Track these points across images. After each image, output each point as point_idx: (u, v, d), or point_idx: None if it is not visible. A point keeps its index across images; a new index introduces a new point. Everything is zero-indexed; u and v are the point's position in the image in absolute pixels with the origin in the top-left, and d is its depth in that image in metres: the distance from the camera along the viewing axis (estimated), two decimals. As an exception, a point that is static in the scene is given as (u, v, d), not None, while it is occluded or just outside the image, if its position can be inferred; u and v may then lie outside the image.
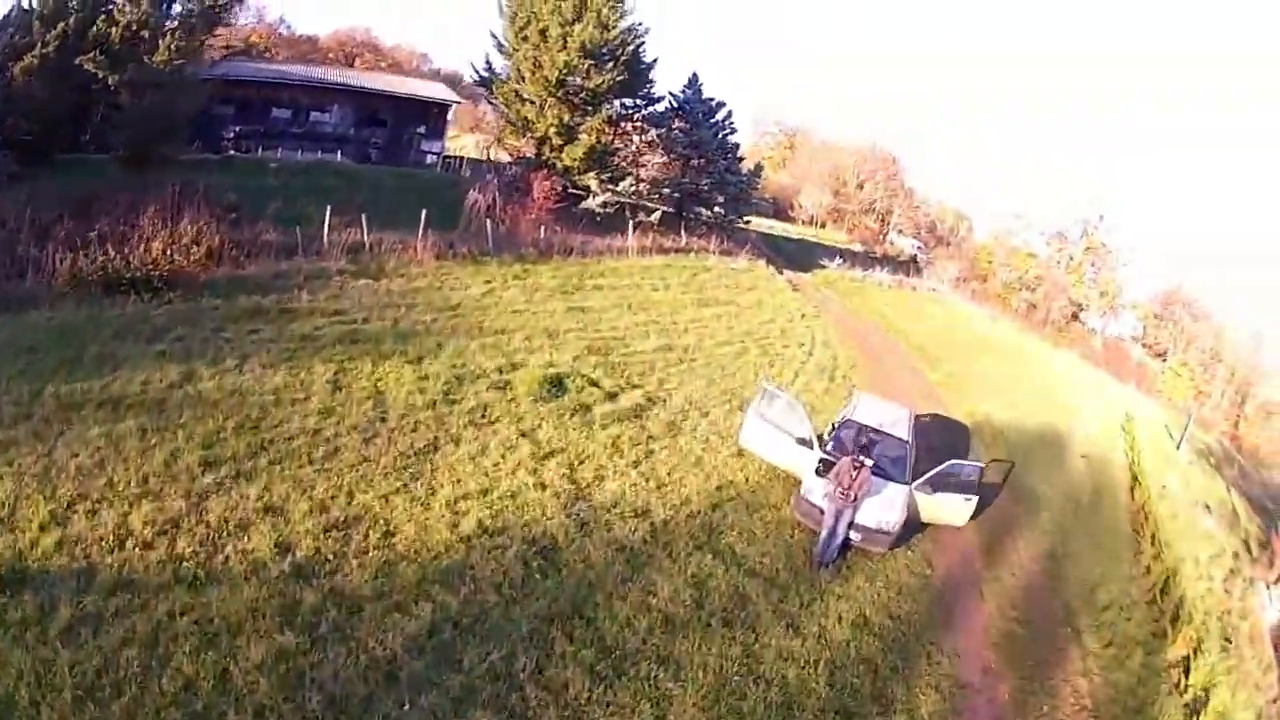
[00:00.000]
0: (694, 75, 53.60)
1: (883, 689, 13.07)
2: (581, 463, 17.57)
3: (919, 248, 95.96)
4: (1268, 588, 24.42)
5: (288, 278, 25.39)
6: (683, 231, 49.86)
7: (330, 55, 79.73)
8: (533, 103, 44.76)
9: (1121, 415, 42.55)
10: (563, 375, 21.50)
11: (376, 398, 18.16)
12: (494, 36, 46.31)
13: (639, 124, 51.44)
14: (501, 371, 21.15)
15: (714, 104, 53.66)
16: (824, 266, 62.31)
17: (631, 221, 45.34)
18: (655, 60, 48.04)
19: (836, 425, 20.26)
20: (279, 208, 30.30)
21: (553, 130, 44.25)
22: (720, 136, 53.76)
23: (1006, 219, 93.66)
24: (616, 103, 47.78)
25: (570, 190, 45.72)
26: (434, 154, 54.45)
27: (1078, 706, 14.69)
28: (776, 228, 79.30)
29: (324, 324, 22.16)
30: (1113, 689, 15.56)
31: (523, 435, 18.09)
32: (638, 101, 49.77)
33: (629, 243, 42.25)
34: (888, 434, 19.56)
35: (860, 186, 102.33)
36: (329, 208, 29.75)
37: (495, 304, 27.63)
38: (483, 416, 18.51)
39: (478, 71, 47.92)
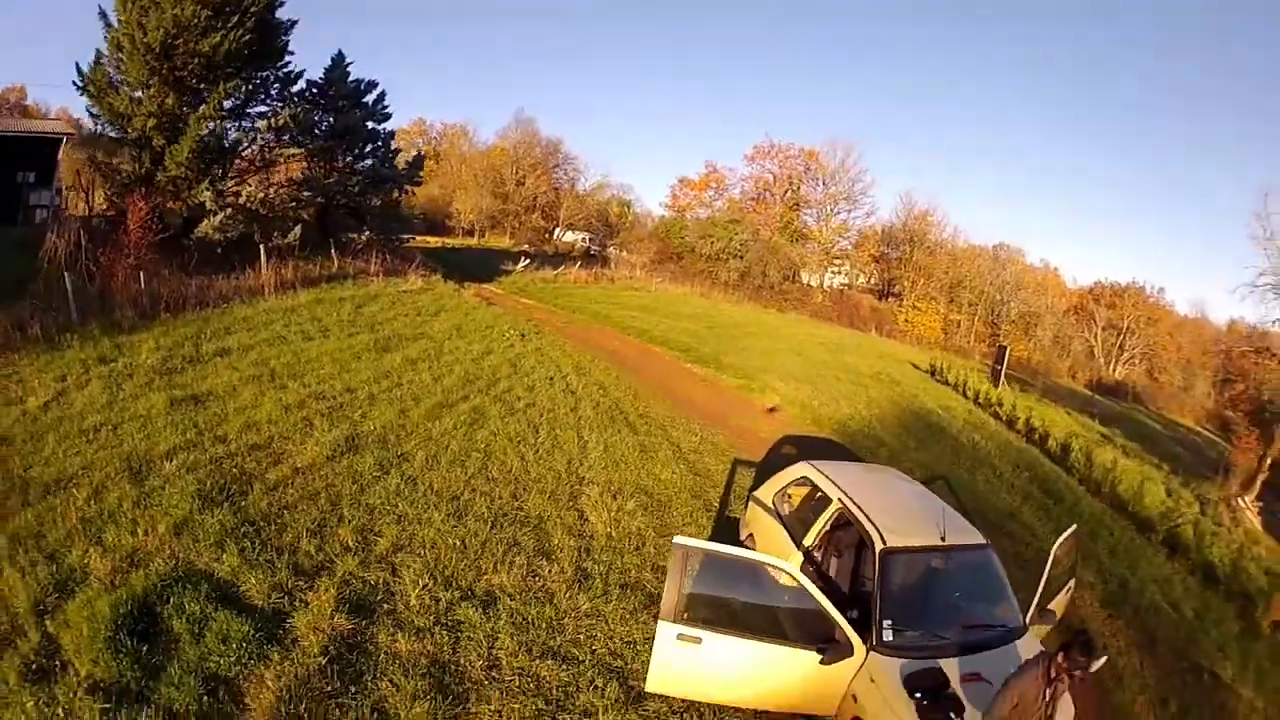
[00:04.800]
0: (339, 54, 43.38)
1: None
2: None
3: (591, 239, 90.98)
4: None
5: None
6: (334, 252, 37.78)
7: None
8: (129, 86, 31.45)
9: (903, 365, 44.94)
10: (156, 594, 9.66)
11: None
12: (102, 16, 31.85)
13: (270, 106, 37.82)
14: (41, 611, 9.21)
15: (363, 84, 43.85)
16: (508, 272, 56.06)
17: (263, 247, 31.33)
18: (294, 22, 35.82)
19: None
20: None
21: (152, 125, 30.72)
22: (369, 125, 44.41)
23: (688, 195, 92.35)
24: (241, 81, 34.50)
25: (186, 215, 32.95)
26: (44, 206, 38.68)
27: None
28: (433, 242, 72.21)
29: None
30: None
31: None
32: (269, 79, 37.15)
33: (263, 278, 29.84)
34: (960, 546, 10.09)
35: (521, 183, 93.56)
36: None
37: (59, 423, 14.79)
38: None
39: (81, 73, 32.36)
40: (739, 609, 9.18)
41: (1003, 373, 45.78)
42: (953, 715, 7.76)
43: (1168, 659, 13.98)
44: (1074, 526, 11.94)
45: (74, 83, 32.09)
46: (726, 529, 14.61)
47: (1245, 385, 50.00)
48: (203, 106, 31.72)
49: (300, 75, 38.31)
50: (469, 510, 13.27)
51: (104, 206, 34.23)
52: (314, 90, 41.18)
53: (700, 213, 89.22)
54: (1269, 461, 40.59)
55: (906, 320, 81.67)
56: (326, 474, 13.90)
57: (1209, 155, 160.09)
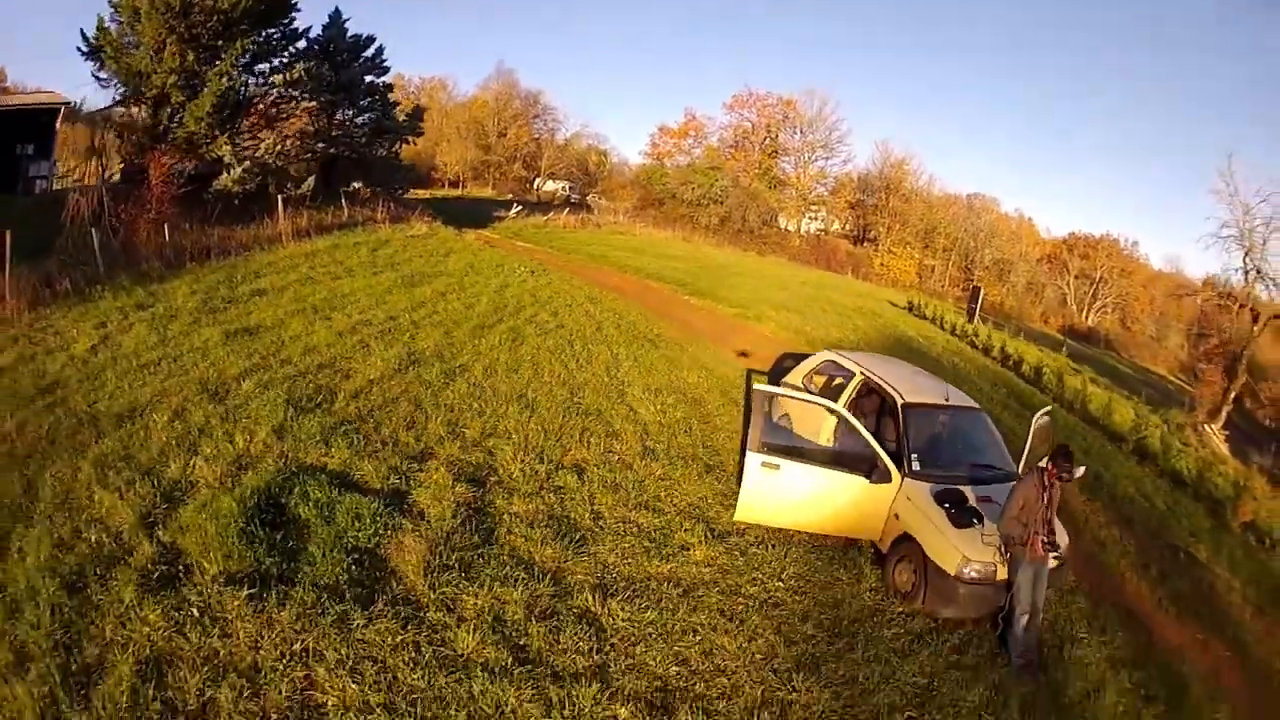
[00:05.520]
0: (336, 10, 43.25)
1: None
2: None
3: (572, 188, 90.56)
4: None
5: None
6: (343, 201, 38.84)
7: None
8: (145, 46, 31.50)
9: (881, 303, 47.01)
10: (277, 487, 10.23)
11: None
12: None
13: (278, 61, 38.41)
14: (150, 523, 9.20)
15: (362, 39, 44.00)
16: (501, 218, 56.70)
17: (280, 197, 32.37)
18: (301, -23, 36.10)
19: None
20: None
21: (172, 81, 31.14)
22: (368, 78, 44.55)
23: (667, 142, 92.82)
24: (255, 36, 35.06)
25: (197, 171, 32.78)
26: (43, 177, 38.81)
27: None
28: (421, 194, 70.90)
29: None
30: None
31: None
32: (275, 35, 37.24)
33: (280, 226, 30.44)
34: (960, 407, 12.76)
35: (503, 134, 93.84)
36: None
37: (113, 362, 14.81)
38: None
39: (87, 40, 32.54)
40: (805, 443, 11.80)
41: (977, 310, 47.66)
42: (974, 520, 9.97)
43: (1144, 538, 15.82)
44: (1051, 405, 14.18)
45: (79, 49, 32.25)
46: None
47: (1219, 340, 52.28)
48: (222, 60, 32.22)
49: (306, 31, 38.88)
50: (537, 406, 14.92)
51: (119, 166, 34.81)
52: (316, 46, 41.39)
53: (680, 160, 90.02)
54: (1232, 395, 43.00)
55: (882, 264, 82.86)
56: (399, 383, 15.14)
57: (1188, 116, 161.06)
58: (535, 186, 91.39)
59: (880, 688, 8.36)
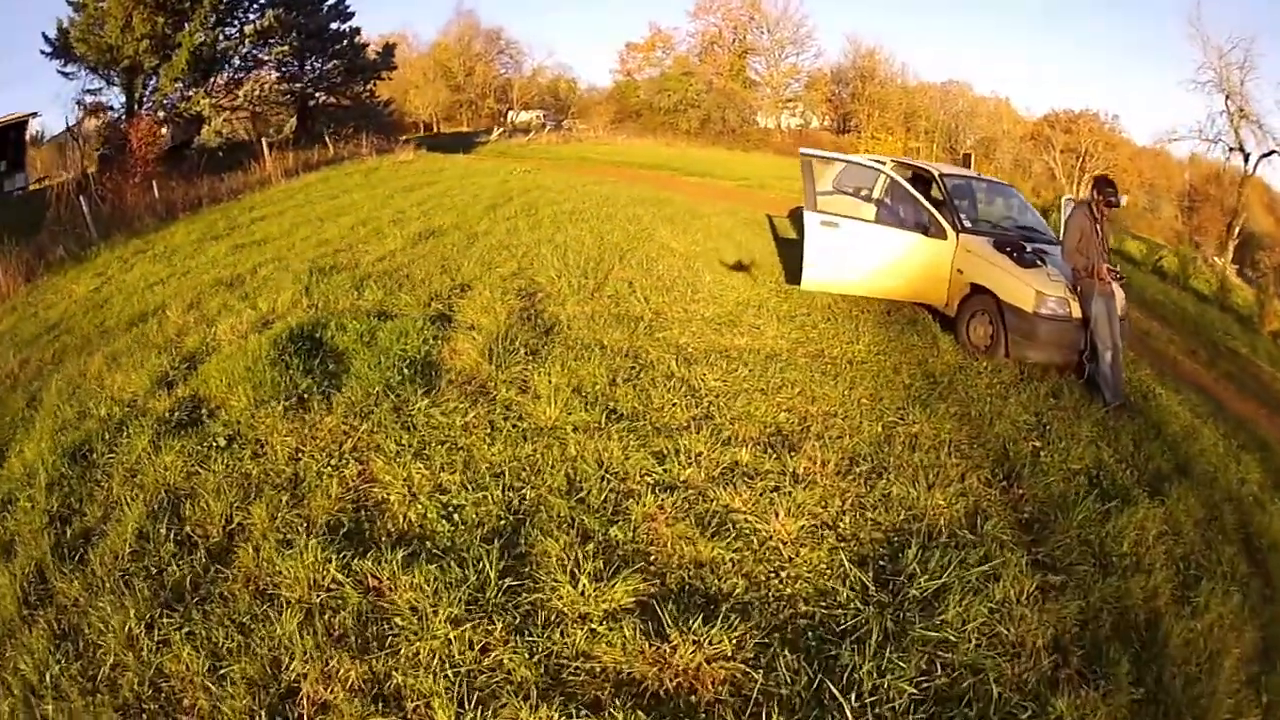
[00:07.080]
0: None
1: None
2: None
3: (546, 114, 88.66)
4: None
5: None
6: (327, 138, 39.04)
7: None
8: (115, 21, 33.15)
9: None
10: (309, 326, 9.57)
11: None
12: None
13: (243, 18, 39.31)
14: (168, 383, 8.58)
15: None
16: (484, 143, 56.29)
17: (266, 142, 32.88)
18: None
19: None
20: None
21: (145, 48, 33.19)
22: (334, 25, 45.54)
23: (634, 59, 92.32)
24: None
25: (178, 132, 35.64)
26: (20, 189, 40.53)
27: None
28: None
29: None
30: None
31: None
32: None
33: (268, 169, 30.75)
34: (992, 181, 13.84)
35: (470, 72, 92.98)
36: None
37: (119, 292, 14.39)
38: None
39: (50, 41, 35.08)
40: (859, 205, 12.07)
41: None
42: (1039, 261, 9.93)
43: (1184, 334, 15.86)
44: (1070, 198, 14.16)
45: (42, 51, 35.19)
46: (785, 244, 16.51)
47: (1211, 209, 52.52)
48: (195, 17, 33.93)
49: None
50: (569, 248, 14.22)
51: (95, 153, 35.77)
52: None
53: (651, 73, 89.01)
54: (1236, 230, 43.15)
55: (867, 150, 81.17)
56: (421, 249, 14.48)
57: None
58: (509, 119, 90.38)
59: (995, 421, 8.08)
